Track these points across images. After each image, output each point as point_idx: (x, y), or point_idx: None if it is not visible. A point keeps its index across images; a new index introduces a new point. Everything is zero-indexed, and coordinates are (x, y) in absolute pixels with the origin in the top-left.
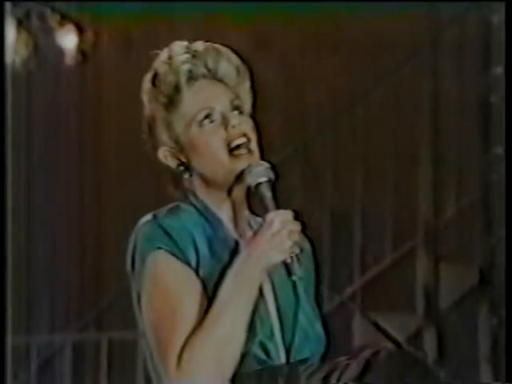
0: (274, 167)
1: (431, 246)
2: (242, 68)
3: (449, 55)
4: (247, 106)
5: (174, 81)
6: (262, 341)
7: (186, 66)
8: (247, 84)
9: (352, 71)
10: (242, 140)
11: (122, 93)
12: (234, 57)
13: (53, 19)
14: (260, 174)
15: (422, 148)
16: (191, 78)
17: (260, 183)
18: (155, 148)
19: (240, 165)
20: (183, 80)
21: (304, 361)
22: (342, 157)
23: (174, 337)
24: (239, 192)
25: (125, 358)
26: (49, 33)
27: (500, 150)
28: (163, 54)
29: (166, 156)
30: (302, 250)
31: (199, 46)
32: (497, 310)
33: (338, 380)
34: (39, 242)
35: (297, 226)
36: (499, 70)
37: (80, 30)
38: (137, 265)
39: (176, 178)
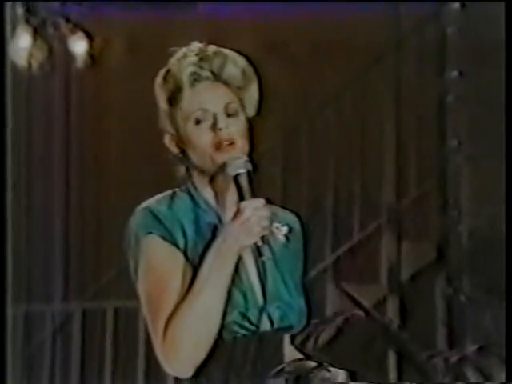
0: (252, 160)
1: (394, 225)
2: (249, 72)
3: (411, 60)
4: (251, 108)
5: (180, 80)
6: (243, 311)
7: (191, 68)
8: (253, 87)
9: (324, 73)
10: (228, 142)
11: (128, 93)
12: (240, 61)
13: (65, 27)
14: (239, 166)
15: (387, 141)
16: (195, 79)
17: (239, 174)
18: (163, 134)
19: (223, 157)
20: (187, 81)
21: (286, 329)
22: (317, 150)
23: (161, 310)
24: (224, 180)
25: (128, 324)
26: (62, 39)
27: (454, 142)
28: (179, 53)
29: (170, 142)
30: (290, 230)
31: (210, 49)
32: (452, 281)
33: (315, 342)
34: (48, 220)
35: (267, 213)
36: (454, 73)
37: (90, 37)
38: (132, 247)
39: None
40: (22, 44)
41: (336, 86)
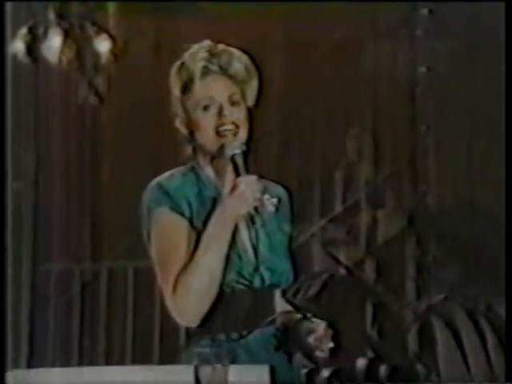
0: (246, 143)
1: (371, 198)
2: (251, 68)
3: (386, 57)
4: (251, 99)
5: (192, 72)
6: (239, 270)
7: (202, 63)
8: (254, 81)
9: (312, 68)
10: (230, 126)
11: (148, 87)
12: (245, 58)
13: (91, 30)
14: (235, 147)
15: (365, 127)
16: (205, 72)
17: (235, 154)
18: (175, 117)
19: (225, 139)
20: (198, 73)
21: (275, 285)
22: (306, 135)
23: (171, 270)
24: (223, 160)
25: (147, 282)
26: (88, 40)
27: (423, 127)
28: (193, 48)
29: (180, 124)
30: (280, 201)
31: (219, 47)
32: (420, 244)
33: (305, 295)
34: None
35: (259, 187)
36: (423, 69)
37: (112, 38)
38: (145, 218)
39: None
40: (54, 44)
41: (322, 78)
